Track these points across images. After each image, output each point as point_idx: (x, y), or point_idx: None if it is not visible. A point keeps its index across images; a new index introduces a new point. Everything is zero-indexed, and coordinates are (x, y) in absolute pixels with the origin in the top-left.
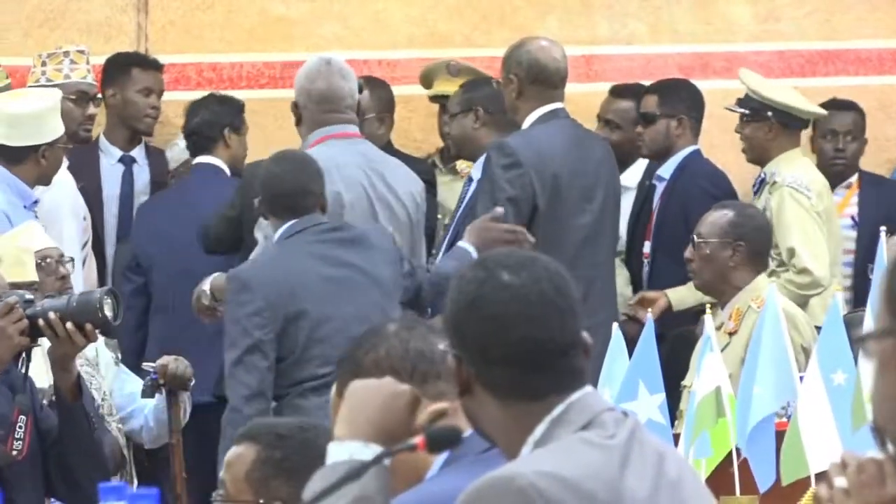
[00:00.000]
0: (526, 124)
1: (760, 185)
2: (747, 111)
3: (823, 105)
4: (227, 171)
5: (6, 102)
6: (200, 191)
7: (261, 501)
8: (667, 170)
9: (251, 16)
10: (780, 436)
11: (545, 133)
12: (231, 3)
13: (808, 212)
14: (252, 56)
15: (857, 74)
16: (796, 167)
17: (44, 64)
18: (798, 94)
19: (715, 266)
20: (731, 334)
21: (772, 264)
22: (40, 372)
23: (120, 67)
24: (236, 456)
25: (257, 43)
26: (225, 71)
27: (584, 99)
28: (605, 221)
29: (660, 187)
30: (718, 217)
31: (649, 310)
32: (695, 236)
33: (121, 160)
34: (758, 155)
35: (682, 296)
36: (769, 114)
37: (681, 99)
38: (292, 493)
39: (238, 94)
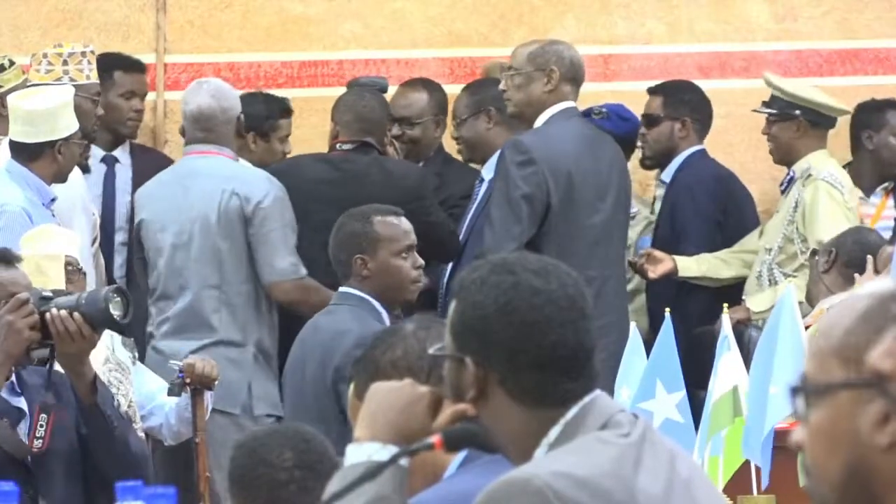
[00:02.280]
0: (540, 121)
1: (789, 183)
2: (775, 111)
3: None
4: None
5: (21, 100)
6: None
7: None
8: (668, 173)
9: (269, 15)
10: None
11: (559, 131)
12: (249, 2)
13: (840, 206)
14: (270, 56)
15: (876, 74)
16: (829, 164)
17: (65, 63)
18: (823, 93)
19: (813, 273)
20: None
21: (801, 258)
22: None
23: (102, 70)
24: None
25: (275, 42)
26: (243, 70)
27: (601, 98)
28: (617, 220)
29: (661, 191)
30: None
31: (653, 270)
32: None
33: (103, 160)
34: (785, 155)
35: (689, 266)
36: (797, 112)
37: (684, 101)
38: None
39: None
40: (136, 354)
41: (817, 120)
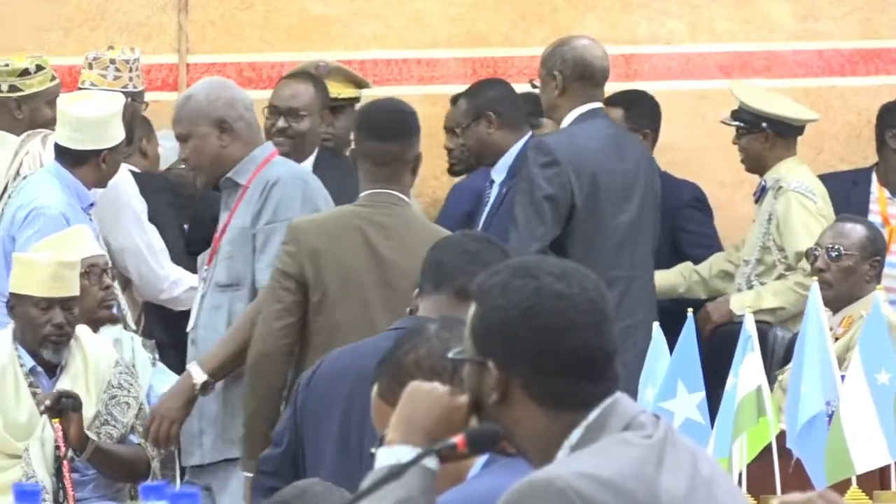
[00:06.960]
0: (565, 123)
1: (762, 192)
2: (742, 123)
3: None
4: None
5: (71, 105)
6: None
7: None
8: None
9: (290, 15)
10: None
11: (584, 132)
12: (270, 2)
13: (814, 215)
14: (291, 55)
15: None
16: (799, 173)
17: (130, 70)
18: (790, 100)
19: (854, 279)
20: (836, 339)
21: (780, 268)
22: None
23: None
24: None
25: (297, 42)
26: (265, 70)
27: None
28: (643, 221)
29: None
30: (854, 230)
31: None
32: (839, 247)
33: None
34: (756, 165)
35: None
36: (764, 125)
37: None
38: None
39: None
40: (157, 356)
41: (784, 130)
